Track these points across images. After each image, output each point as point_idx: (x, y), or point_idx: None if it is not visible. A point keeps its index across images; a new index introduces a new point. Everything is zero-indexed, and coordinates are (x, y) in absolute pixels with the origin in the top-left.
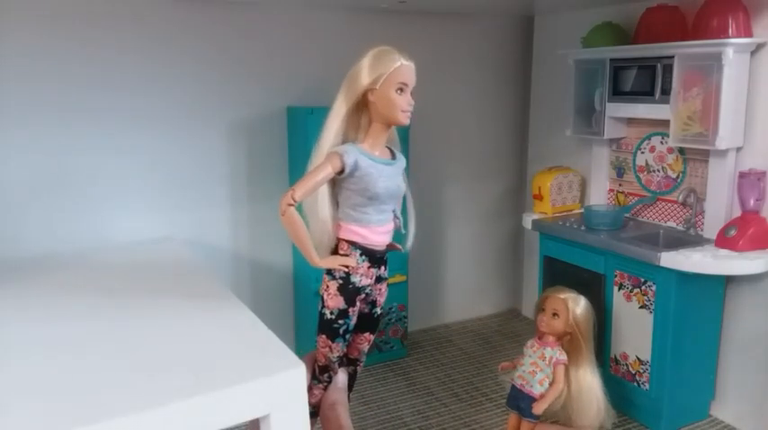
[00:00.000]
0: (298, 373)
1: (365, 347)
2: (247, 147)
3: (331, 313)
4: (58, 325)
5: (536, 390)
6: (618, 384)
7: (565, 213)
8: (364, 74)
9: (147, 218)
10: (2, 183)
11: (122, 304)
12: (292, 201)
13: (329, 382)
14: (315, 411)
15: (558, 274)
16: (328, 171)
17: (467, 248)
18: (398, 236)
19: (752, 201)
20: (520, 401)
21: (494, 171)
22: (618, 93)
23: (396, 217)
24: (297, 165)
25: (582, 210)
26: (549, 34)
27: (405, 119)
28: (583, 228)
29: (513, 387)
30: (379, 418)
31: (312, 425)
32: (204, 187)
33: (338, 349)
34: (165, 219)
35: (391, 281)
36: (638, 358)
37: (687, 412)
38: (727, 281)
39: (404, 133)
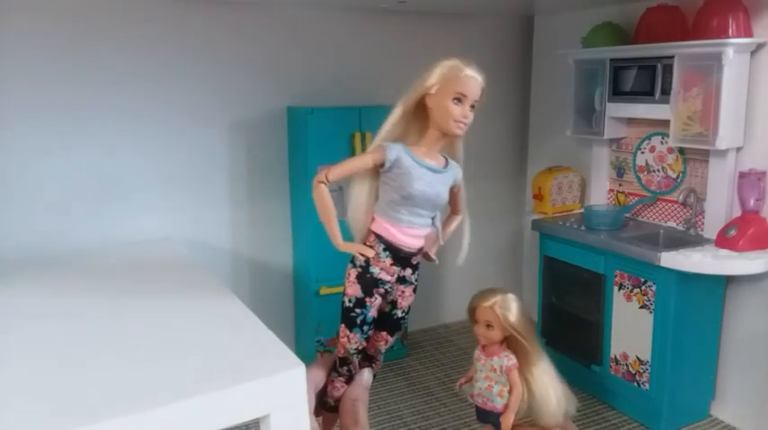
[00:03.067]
0: (298, 373)
1: (382, 347)
2: (247, 147)
3: (349, 301)
4: (56, 325)
5: (498, 404)
6: (618, 384)
7: (565, 213)
8: (428, 78)
9: (147, 218)
10: (2, 183)
11: (121, 304)
12: (325, 180)
13: (349, 375)
14: (336, 405)
15: (558, 274)
16: (367, 160)
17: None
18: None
19: (752, 201)
20: (488, 417)
21: (494, 171)
22: (618, 93)
23: (434, 224)
24: (297, 165)
25: (582, 210)
26: (549, 34)
27: (456, 129)
28: (583, 228)
29: (477, 406)
30: (379, 418)
31: (333, 420)
32: (204, 187)
33: (356, 340)
34: (165, 219)
35: None
36: (638, 358)
37: (687, 412)
38: (727, 281)
39: None
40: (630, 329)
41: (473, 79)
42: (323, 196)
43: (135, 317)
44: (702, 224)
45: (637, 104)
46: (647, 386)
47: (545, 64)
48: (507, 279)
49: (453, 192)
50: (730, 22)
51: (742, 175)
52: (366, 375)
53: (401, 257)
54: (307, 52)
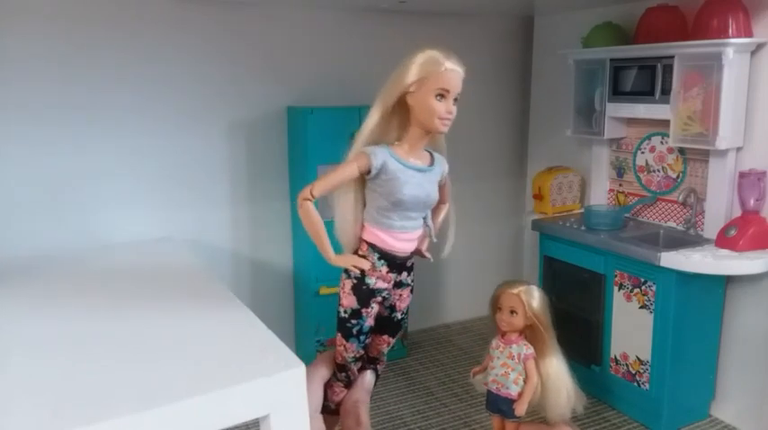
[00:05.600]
0: (298, 373)
1: (384, 349)
2: (247, 147)
3: (345, 312)
4: (56, 325)
5: (513, 391)
6: (618, 384)
7: (565, 213)
8: (406, 75)
9: (147, 218)
10: (3, 183)
11: (121, 304)
12: (310, 197)
13: (347, 381)
14: (336, 408)
15: (558, 274)
16: (353, 169)
17: (467, 248)
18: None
19: (752, 201)
20: (500, 405)
21: (494, 171)
22: (618, 93)
23: (426, 225)
24: (297, 165)
25: (582, 210)
26: (549, 34)
27: (441, 126)
28: (583, 228)
29: (490, 392)
30: (379, 418)
31: (334, 423)
32: (204, 187)
33: (353, 349)
34: (165, 219)
35: None
36: (638, 358)
37: (687, 412)
38: (727, 281)
39: None
40: (630, 329)
41: (454, 72)
42: (310, 213)
43: (135, 317)
44: (702, 224)
45: (637, 104)
46: (647, 386)
47: (545, 64)
48: (507, 279)
49: (440, 185)
50: (730, 22)
51: (742, 175)
52: (368, 378)
53: (396, 264)
54: (307, 52)
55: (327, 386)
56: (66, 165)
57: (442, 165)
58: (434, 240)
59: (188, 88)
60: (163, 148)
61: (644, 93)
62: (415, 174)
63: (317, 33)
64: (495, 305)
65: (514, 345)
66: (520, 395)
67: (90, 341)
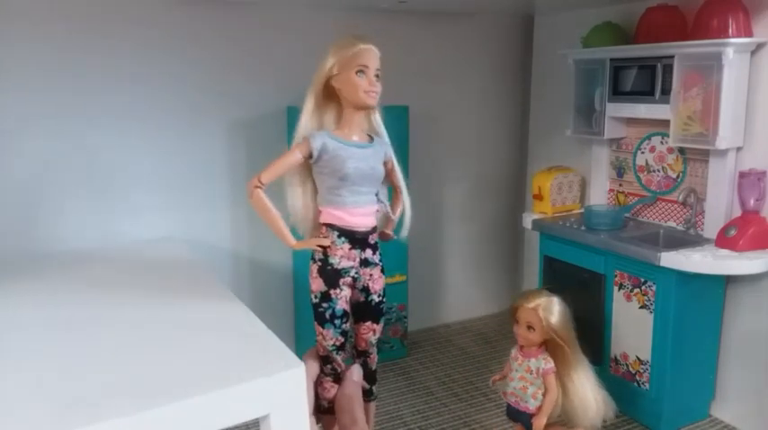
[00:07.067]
0: (298, 373)
1: (371, 337)
2: (247, 146)
3: (315, 297)
4: (57, 325)
5: (531, 405)
6: (618, 384)
7: (565, 213)
8: (325, 62)
9: (147, 218)
10: (3, 184)
11: (122, 304)
12: (259, 184)
13: (334, 374)
14: (330, 407)
15: (558, 274)
16: (296, 156)
17: (467, 248)
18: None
19: (752, 201)
20: (519, 417)
21: (494, 171)
22: (618, 93)
23: (379, 200)
24: None
25: (582, 210)
26: (549, 34)
27: (368, 99)
28: (583, 228)
29: (509, 404)
30: (379, 418)
31: (333, 422)
32: (204, 187)
33: (330, 336)
34: (165, 218)
35: (391, 281)
36: (638, 358)
37: (687, 412)
38: (727, 281)
39: (403, 132)
40: (630, 329)
41: (369, 50)
42: (262, 200)
43: (135, 317)
44: (702, 224)
45: (637, 104)
46: (647, 386)
47: (545, 64)
48: (507, 279)
49: (388, 169)
50: (730, 22)
51: (742, 175)
52: (355, 371)
53: (358, 239)
54: (307, 52)
55: (317, 384)
56: (67, 166)
57: (383, 144)
58: (394, 218)
59: (188, 89)
60: (163, 149)
61: (644, 93)
62: (356, 150)
63: (316, 33)
64: (513, 317)
65: (533, 359)
66: (538, 409)
67: (89, 341)
